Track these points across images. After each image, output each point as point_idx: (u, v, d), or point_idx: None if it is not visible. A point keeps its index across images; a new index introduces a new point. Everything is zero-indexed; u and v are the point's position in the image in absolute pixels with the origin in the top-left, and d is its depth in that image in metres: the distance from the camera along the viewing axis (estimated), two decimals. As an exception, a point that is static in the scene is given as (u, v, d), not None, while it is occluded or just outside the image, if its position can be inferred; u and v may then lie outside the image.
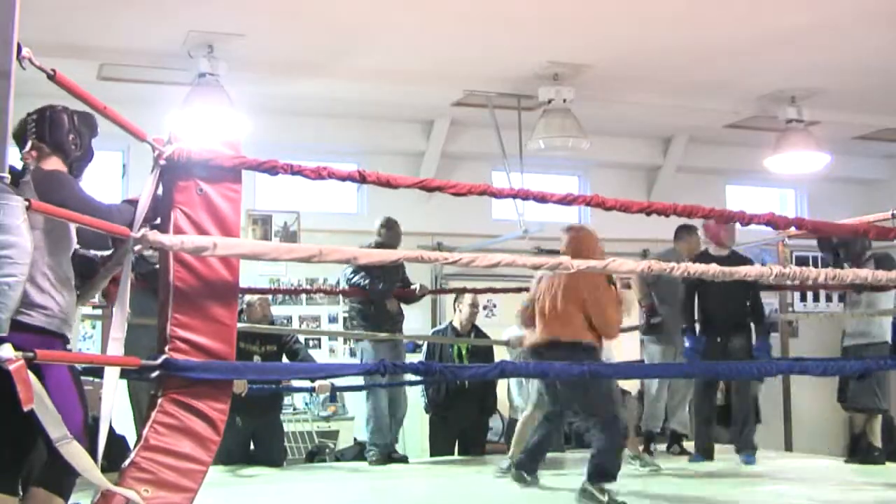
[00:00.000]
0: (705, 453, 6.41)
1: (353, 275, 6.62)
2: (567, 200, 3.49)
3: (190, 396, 2.81)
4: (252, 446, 6.47)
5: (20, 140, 3.17)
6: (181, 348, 2.82)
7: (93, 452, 2.70)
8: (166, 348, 2.81)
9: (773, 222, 3.66)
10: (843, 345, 6.49)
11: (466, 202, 9.09)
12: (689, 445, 6.96)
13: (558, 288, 4.83)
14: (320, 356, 8.55)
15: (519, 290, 7.33)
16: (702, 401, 6.45)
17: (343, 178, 3.14)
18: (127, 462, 2.72)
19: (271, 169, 2.97)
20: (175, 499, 2.71)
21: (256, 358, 6.11)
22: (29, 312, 2.87)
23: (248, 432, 6.31)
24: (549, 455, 7.03)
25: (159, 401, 2.80)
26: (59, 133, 3.12)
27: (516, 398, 7.31)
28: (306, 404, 8.48)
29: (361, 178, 3.12)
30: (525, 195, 3.48)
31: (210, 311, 2.87)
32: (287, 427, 7.99)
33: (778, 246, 8.42)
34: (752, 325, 6.37)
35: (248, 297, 6.35)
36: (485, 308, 8.87)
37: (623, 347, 8.87)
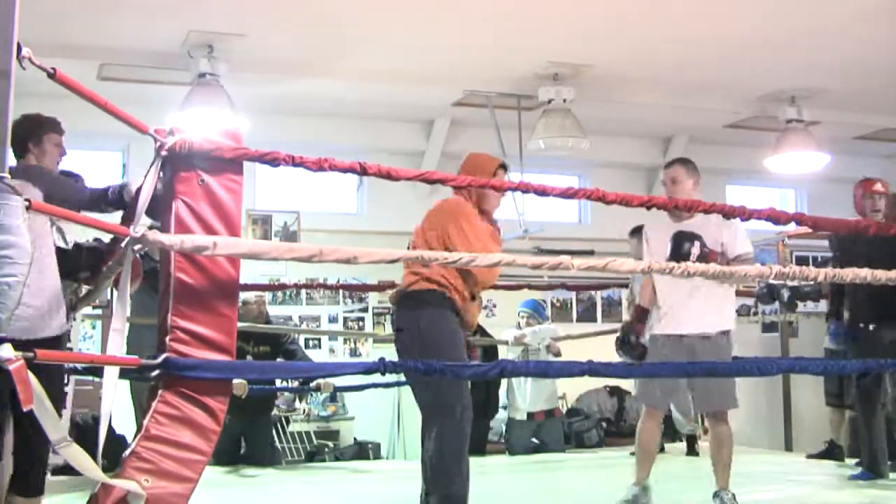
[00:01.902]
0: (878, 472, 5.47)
1: None
2: (568, 194, 3.50)
3: (191, 387, 2.81)
4: (243, 446, 6.45)
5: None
6: (182, 339, 2.82)
7: (92, 452, 2.70)
8: (167, 339, 2.81)
9: (774, 217, 3.67)
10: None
11: (466, 202, 8.98)
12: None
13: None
14: (320, 356, 8.55)
15: (519, 287, 7.35)
16: (867, 410, 5.51)
17: (344, 171, 3.14)
18: (127, 452, 2.72)
19: (273, 160, 2.98)
20: (175, 488, 2.71)
21: (248, 358, 6.08)
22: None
23: (237, 432, 6.26)
24: (550, 455, 7.07)
25: (160, 391, 2.80)
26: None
27: (517, 398, 7.33)
28: (307, 404, 8.48)
29: (362, 170, 3.12)
30: (526, 188, 3.48)
31: (211, 302, 2.88)
32: (287, 427, 8.00)
33: (778, 245, 8.44)
34: None
35: (244, 295, 6.33)
36: (485, 308, 8.87)
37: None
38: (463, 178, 3.43)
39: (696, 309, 4.43)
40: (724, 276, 3.56)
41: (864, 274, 3.68)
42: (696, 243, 4.22)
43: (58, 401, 3.09)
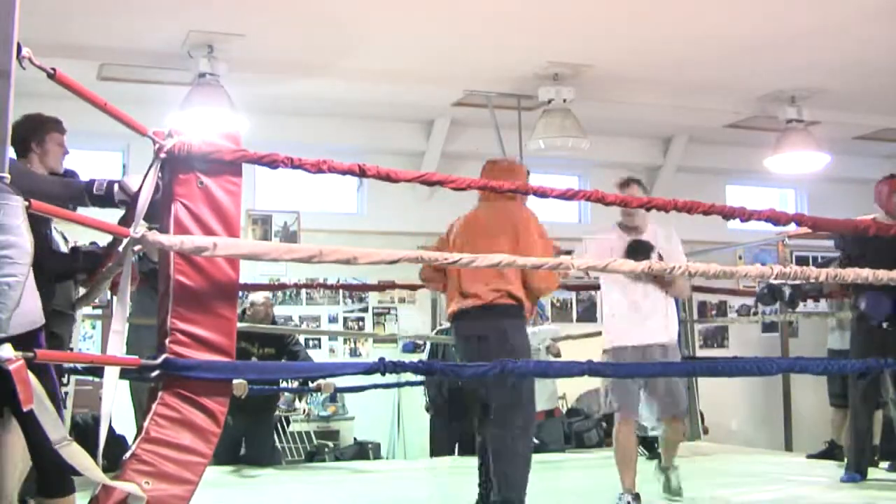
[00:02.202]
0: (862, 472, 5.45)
1: None
2: (567, 195, 3.49)
3: (190, 389, 2.81)
4: (243, 446, 6.44)
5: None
6: (181, 341, 2.82)
7: (92, 452, 2.70)
8: (166, 341, 2.81)
9: (774, 218, 3.67)
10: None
11: (466, 202, 9.06)
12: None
13: None
14: (320, 356, 8.56)
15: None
16: (862, 410, 5.45)
17: (343, 172, 3.14)
18: (128, 454, 2.72)
19: (272, 162, 2.97)
20: (176, 491, 2.71)
21: (254, 359, 6.08)
22: None
23: (239, 433, 6.25)
24: (550, 455, 7.07)
25: (160, 393, 2.80)
26: None
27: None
28: (307, 404, 8.48)
29: (361, 172, 3.11)
30: (525, 189, 3.48)
31: (211, 304, 2.88)
32: (287, 427, 8.00)
33: (778, 246, 8.43)
34: None
35: (252, 297, 6.34)
36: (484, 308, 8.86)
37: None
38: (462, 180, 3.42)
39: (654, 318, 4.55)
40: (725, 275, 3.56)
41: (866, 274, 3.68)
42: (654, 254, 4.35)
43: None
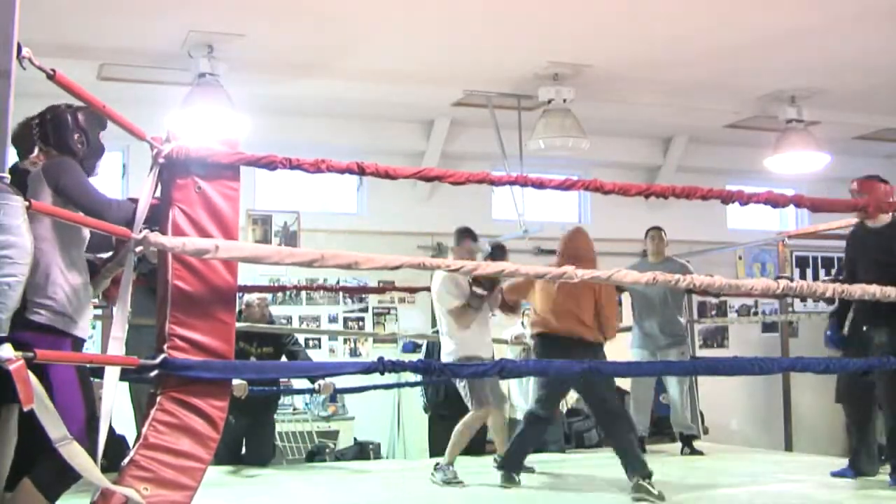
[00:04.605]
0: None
1: None
2: (565, 185, 3.51)
3: (189, 394, 2.81)
4: (244, 446, 6.43)
5: (27, 145, 3.16)
6: (180, 346, 2.82)
7: (93, 452, 2.70)
8: (165, 346, 2.81)
9: (773, 200, 3.68)
10: None
11: (466, 202, 9.07)
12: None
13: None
14: (320, 356, 8.56)
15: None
16: (863, 407, 5.38)
17: (342, 171, 3.14)
18: (126, 460, 2.72)
19: (270, 164, 2.97)
20: (174, 496, 2.71)
21: (252, 359, 6.08)
22: (36, 310, 2.88)
23: (239, 432, 6.24)
24: (550, 455, 7.07)
25: (158, 399, 2.80)
26: (64, 134, 3.11)
27: (516, 397, 7.33)
28: (306, 404, 8.48)
29: (360, 170, 3.12)
30: (524, 181, 3.49)
31: (209, 310, 2.88)
32: (287, 427, 8.00)
33: (778, 246, 8.43)
34: None
35: (247, 297, 6.34)
36: (484, 308, 8.86)
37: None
38: (460, 174, 3.43)
39: None
40: (731, 289, 3.57)
41: (873, 290, 3.68)
42: None
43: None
